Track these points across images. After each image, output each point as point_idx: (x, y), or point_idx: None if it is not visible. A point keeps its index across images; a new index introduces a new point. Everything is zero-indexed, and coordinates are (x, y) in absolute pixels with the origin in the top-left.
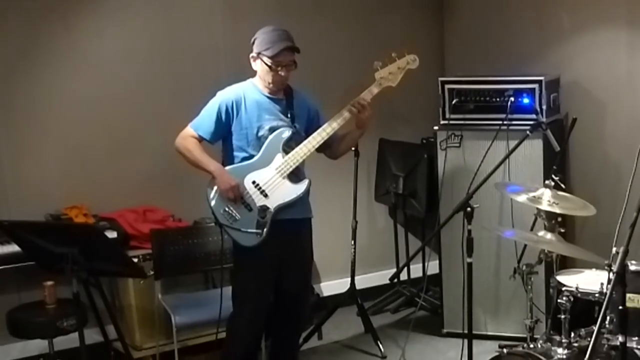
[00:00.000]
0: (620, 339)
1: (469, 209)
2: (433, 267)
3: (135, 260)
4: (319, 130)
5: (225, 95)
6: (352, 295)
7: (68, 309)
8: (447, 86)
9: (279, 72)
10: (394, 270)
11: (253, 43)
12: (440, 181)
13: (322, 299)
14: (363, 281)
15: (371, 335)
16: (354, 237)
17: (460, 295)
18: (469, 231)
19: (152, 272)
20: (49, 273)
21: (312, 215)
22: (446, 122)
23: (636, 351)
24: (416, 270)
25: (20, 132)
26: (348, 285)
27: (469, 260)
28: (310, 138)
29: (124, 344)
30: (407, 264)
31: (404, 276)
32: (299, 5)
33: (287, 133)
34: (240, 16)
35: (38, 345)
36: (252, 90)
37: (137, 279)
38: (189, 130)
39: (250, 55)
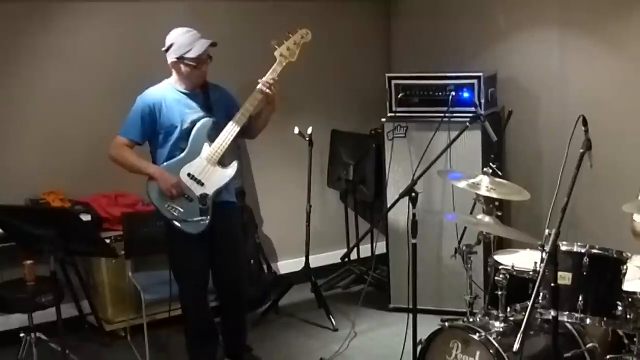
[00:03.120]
0: (553, 313)
1: (413, 194)
2: (381, 248)
3: (108, 241)
4: (237, 115)
5: (145, 99)
6: (307, 274)
7: (46, 286)
8: (394, 82)
9: (202, 69)
10: (345, 250)
11: (168, 49)
12: (388, 169)
13: (279, 277)
14: (317, 260)
15: (324, 310)
16: (308, 220)
17: (405, 273)
18: (414, 215)
19: (123, 252)
20: (29, 253)
21: (236, 200)
22: (393, 114)
23: (567, 324)
24: (365, 251)
25: (1, 124)
26: (303, 264)
27: (413, 241)
28: (230, 123)
29: (98, 318)
30: (357, 245)
31: (354, 256)
32: (258, 10)
33: (209, 124)
34: (202, 20)
35: (19, 319)
36: (170, 90)
37: (109, 258)
38: (120, 139)
39: (171, 61)
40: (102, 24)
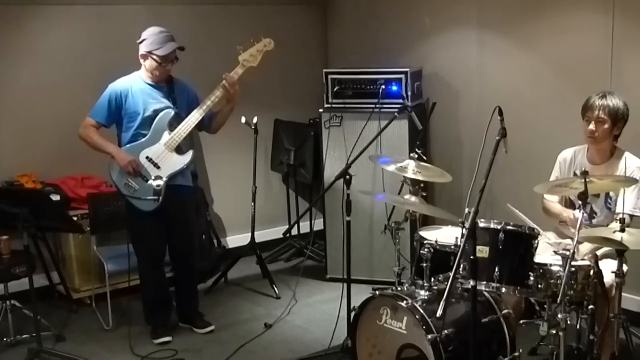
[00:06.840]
0: (472, 283)
1: (348, 177)
2: (319, 225)
3: (75, 218)
4: (197, 109)
5: (114, 88)
6: (253, 248)
7: (20, 259)
8: (330, 76)
9: (166, 67)
10: (287, 227)
11: (141, 43)
12: (325, 154)
13: (228, 251)
14: (261, 236)
15: (268, 280)
16: (254, 200)
17: (341, 247)
18: (348, 195)
19: (88, 229)
20: (4, 229)
21: (192, 185)
22: (329, 105)
23: (485, 293)
24: (305, 227)
25: None
26: (249, 239)
27: (348, 219)
28: (190, 116)
29: (66, 287)
30: (298, 222)
31: (295, 232)
32: (209, 12)
33: (170, 114)
34: (161, 21)
35: None
36: (137, 81)
37: (76, 234)
38: (88, 120)
39: (140, 54)
40: (71, 24)
